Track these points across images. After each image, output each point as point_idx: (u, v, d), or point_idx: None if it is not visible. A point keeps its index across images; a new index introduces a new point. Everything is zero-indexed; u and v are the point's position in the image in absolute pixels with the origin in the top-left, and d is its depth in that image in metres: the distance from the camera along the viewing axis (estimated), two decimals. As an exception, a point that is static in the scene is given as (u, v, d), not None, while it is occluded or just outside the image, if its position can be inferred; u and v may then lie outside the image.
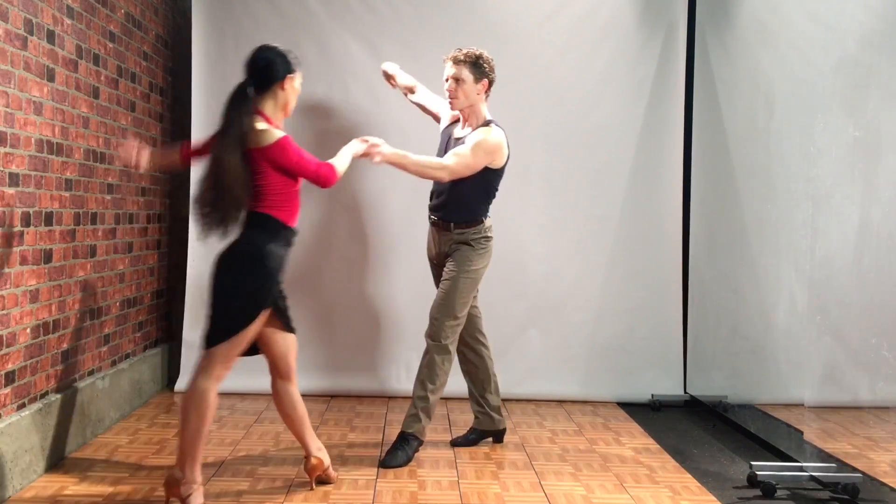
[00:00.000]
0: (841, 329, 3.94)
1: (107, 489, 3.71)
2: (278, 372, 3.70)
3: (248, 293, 3.46)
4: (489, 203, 4.42)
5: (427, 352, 4.29)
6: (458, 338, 4.35)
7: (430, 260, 4.56)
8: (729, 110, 5.21)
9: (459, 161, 4.18)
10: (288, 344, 3.69)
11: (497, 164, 4.29)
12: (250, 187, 3.48)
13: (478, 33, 5.29)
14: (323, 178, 3.59)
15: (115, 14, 4.71)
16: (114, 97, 4.72)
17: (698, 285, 5.56)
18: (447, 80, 4.29)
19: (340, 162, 3.72)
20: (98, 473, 3.91)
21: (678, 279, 5.68)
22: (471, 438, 4.55)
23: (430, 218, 4.47)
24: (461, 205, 4.33)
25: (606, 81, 5.65)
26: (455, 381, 4.84)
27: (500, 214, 4.60)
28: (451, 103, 4.34)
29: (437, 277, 4.50)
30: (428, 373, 4.27)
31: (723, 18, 5.30)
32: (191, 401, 3.44)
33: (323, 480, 3.84)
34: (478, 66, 4.27)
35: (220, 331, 3.46)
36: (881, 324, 3.80)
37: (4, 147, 3.56)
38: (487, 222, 4.39)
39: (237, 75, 5.60)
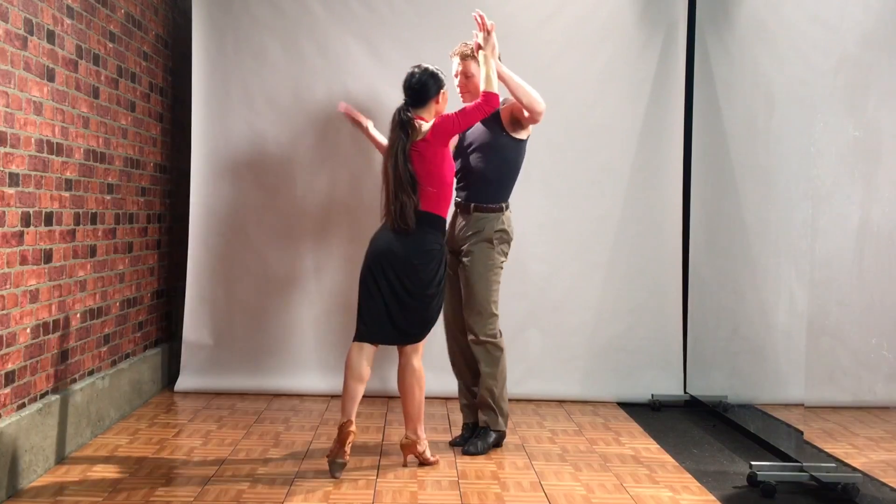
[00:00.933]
0: (841, 329, 3.93)
1: (107, 489, 3.70)
2: (414, 349, 4.12)
3: (442, 288, 4.11)
4: (511, 186, 4.48)
5: (480, 354, 4.39)
6: (499, 328, 4.43)
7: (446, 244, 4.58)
8: (729, 110, 5.21)
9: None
10: None
11: (527, 132, 4.43)
12: (418, 191, 4.00)
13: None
14: (490, 108, 4.06)
15: (115, 14, 4.71)
16: (114, 97, 4.72)
17: (698, 285, 5.55)
18: (456, 75, 4.36)
19: (491, 82, 4.09)
20: (98, 473, 3.91)
21: (678, 279, 5.68)
22: (467, 437, 4.54)
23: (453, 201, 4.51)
24: (485, 183, 4.39)
25: (606, 81, 5.65)
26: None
27: (500, 214, 4.60)
28: (463, 97, 4.43)
29: (450, 264, 4.53)
30: (490, 374, 4.39)
31: (723, 18, 5.30)
32: (413, 378, 4.09)
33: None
34: None
35: (431, 322, 4.11)
36: (881, 324, 3.79)
37: (4, 147, 3.56)
38: (507, 213, 4.44)
39: (237, 75, 5.72)
